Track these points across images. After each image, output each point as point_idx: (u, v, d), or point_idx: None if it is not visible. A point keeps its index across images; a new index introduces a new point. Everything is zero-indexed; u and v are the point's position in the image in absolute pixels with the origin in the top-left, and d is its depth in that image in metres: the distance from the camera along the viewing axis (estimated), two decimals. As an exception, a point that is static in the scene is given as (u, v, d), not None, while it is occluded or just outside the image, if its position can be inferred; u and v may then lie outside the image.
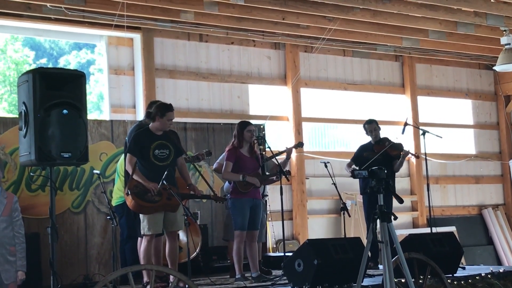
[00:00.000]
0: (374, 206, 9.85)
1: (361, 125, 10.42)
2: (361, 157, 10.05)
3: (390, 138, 10.22)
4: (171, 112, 7.84)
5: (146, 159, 7.66)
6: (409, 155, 10.04)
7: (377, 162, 9.36)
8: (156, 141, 7.74)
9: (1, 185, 7.05)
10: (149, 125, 7.88)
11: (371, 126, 10.16)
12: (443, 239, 8.70)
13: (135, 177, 7.57)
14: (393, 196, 6.52)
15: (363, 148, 10.21)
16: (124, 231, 9.11)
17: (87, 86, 6.14)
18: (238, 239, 8.59)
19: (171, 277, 7.64)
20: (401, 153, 9.95)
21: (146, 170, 7.64)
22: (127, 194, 7.55)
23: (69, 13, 10.54)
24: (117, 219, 7.99)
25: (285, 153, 9.37)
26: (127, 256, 9.10)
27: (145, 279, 7.80)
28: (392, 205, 8.96)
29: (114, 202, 9.10)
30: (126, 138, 8.38)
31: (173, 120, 10.44)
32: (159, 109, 7.82)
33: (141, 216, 7.67)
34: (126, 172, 7.96)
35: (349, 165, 10.20)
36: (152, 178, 7.56)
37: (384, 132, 10.57)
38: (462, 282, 8.31)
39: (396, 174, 10.39)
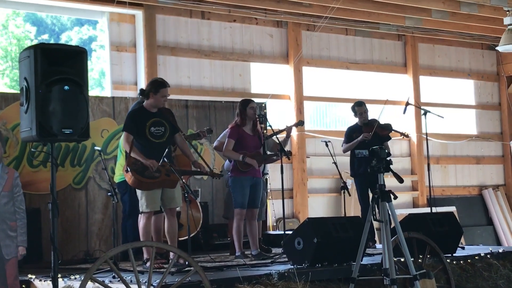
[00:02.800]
0: (367, 188, 9.93)
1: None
2: (352, 139, 10.03)
3: (377, 119, 10.14)
4: (165, 88, 7.79)
5: (142, 137, 7.65)
6: (399, 134, 10.00)
7: (370, 144, 9.34)
8: (151, 118, 7.72)
9: (2, 161, 7.07)
10: (143, 103, 7.86)
11: (361, 108, 10.10)
12: (443, 219, 8.71)
13: (132, 154, 7.57)
14: (393, 175, 6.54)
15: (352, 130, 10.18)
16: (126, 207, 9.14)
17: (89, 63, 6.12)
18: (238, 217, 8.62)
19: (171, 254, 7.68)
20: (390, 133, 9.94)
21: (143, 148, 7.63)
22: (126, 170, 7.56)
23: (71, -12, 10.51)
24: (118, 195, 8.03)
25: (285, 132, 9.37)
26: (128, 232, 9.14)
27: (145, 255, 7.83)
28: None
29: (117, 179, 9.12)
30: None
31: (175, 98, 10.49)
32: (152, 86, 7.79)
33: (139, 193, 7.68)
34: (126, 149, 7.99)
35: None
36: (149, 155, 7.57)
37: (386, 111, 10.52)
38: (461, 262, 8.34)
39: (397, 153, 10.43)
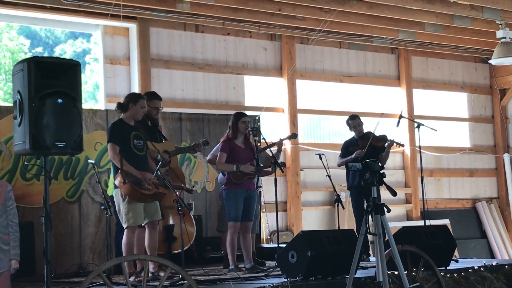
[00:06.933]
0: (362, 200, 9.93)
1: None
2: (348, 152, 10.09)
3: (373, 131, 10.19)
4: (144, 100, 7.90)
5: (128, 149, 7.63)
6: (394, 144, 10.03)
7: (365, 156, 9.36)
8: (132, 131, 7.75)
9: (-5, 174, 7.06)
10: (122, 116, 7.86)
11: (355, 121, 10.20)
12: (436, 232, 8.71)
13: (125, 168, 7.52)
14: (386, 189, 6.54)
15: (348, 144, 10.25)
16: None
17: (83, 76, 6.13)
18: (231, 230, 8.60)
19: (151, 266, 7.69)
20: (386, 144, 9.98)
21: (129, 160, 7.59)
22: (124, 182, 7.51)
23: (65, 1, 10.51)
24: (111, 209, 8.00)
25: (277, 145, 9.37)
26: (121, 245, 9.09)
27: (138, 269, 7.81)
28: (380, 198, 8.95)
29: (110, 192, 9.05)
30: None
31: (168, 111, 10.49)
32: (131, 97, 7.91)
33: (123, 208, 7.60)
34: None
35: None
36: (136, 167, 7.56)
37: (380, 124, 10.55)
38: (455, 275, 8.33)
39: (391, 166, 10.43)
